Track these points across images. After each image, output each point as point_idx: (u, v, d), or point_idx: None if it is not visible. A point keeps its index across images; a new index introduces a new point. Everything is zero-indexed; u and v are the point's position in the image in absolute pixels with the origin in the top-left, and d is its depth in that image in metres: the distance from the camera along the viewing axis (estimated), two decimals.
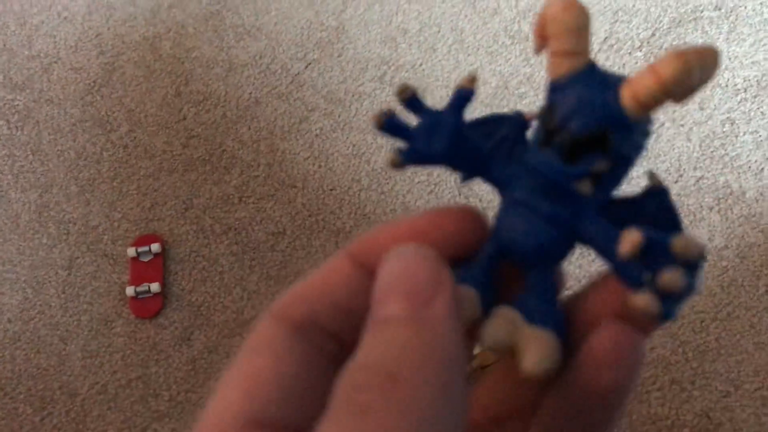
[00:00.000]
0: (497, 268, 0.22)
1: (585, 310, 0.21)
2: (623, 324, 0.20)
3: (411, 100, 0.23)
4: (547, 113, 0.21)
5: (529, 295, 0.22)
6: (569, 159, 0.21)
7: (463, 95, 0.23)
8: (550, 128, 0.21)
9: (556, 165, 0.21)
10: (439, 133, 0.22)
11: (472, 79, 0.23)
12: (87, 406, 0.88)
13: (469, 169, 0.23)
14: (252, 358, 0.19)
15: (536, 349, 0.20)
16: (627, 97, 0.20)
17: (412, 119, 0.23)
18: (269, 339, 0.20)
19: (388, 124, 0.22)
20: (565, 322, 0.21)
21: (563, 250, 0.22)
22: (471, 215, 0.22)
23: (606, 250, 0.21)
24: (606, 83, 0.21)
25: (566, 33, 0.21)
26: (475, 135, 0.23)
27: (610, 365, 0.19)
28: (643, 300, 0.19)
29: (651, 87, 0.20)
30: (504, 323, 0.21)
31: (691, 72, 0.19)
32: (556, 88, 0.22)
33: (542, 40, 0.22)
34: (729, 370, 0.85)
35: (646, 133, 0.22)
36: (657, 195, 0.22)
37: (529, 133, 0.23)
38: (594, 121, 0.21)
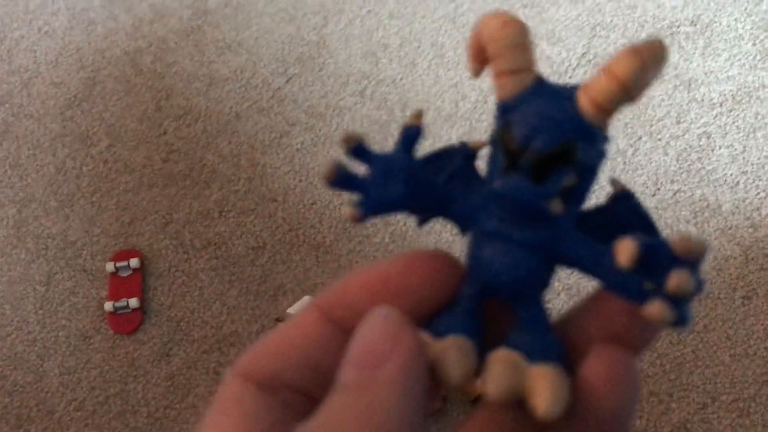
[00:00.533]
0: (481, 308, 0.21)
1: (575, 336, 0.20)
2: (614, 347, 0.19)
3: (357, 148, 0.21)
4: (503, 136, 0.20)
5: (522, 330, 0.20)
6: (537, 179, 0.20)
7: (412, 133, 0.22)
8: (511, 150, 0.20)
9: (527, 187, 0.20)
10: (394, 178, 0.21)
11: (418, 115, 0.22)
12: (64, 423, 0.88)
13: (429, 209, 0.22)
14: (219, 420, 0.19)
15: (547, 389, 0.19)
16: (586, 104, 0.20)
17: (362, 168, 0.22)
18: (236, 399, 0.19)
19: (340, 178, 0.21)
20: (564, 352, 0.20)
21: (547, 277, 0.21)
22: (443, 259, 0.21)
23: (596, 267, 0.20)
24: (560, 94, 0.20)
25: (509, 51, 0.20)
26: (426, 173, 0.22)
27: (607, 392, 0.18)
28: (657, 308, 0.18)
29: (609, 89, 0.19)
30: (505, 369, 0.19)
31: (647, 67, 0.19)
32: (507, 109, 0.21)
33: (480, 63, 0.21)
34: (706, 382, 0.86)
35: (607, 140, 0.21)
36: (624, 200, 0.22)
37: (479, 163, 0.22)
38: (558, 135, 0.20)
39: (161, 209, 1.00)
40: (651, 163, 1.00)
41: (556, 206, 0.20)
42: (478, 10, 1.14)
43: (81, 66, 1.14)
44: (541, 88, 0.21)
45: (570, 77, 1.07)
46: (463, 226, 0.22)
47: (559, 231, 0.20)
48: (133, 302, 0.90)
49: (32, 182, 1.04)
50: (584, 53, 1.10)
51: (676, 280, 0.18)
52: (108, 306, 0.91)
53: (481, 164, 0.22)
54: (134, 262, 0.93)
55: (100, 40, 1.16)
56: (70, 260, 0.97)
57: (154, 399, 0.88)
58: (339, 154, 0.21)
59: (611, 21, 1.12)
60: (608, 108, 0.20)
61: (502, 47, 0.20)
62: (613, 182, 0.22)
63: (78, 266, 0.97)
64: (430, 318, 0.21)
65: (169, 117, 1.08)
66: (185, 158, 1.04)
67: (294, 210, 1.00)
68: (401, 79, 1.09)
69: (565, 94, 0.20)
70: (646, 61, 0.19)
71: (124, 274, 0.93)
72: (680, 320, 0.18)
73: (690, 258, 0.19)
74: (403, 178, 0.21)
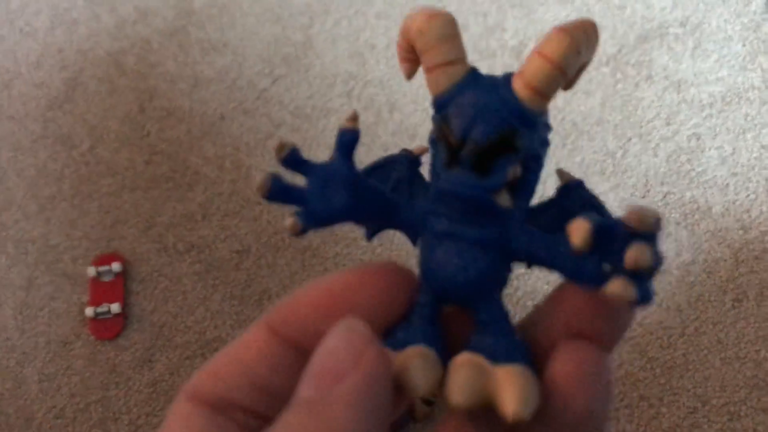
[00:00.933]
0: (439, 316, 0.20)
1: (539, 336, 0.20)
2: (581, 343, 0.18)
3: (291, 158, 0.20)
4: (442, 131, 0.20)
5: (483, 333, 0.19)
6: (481, 172, 0.19)
7: (349, 138, 0.21)
8: (452, 145, 0.19)
9: (471, 181, 0.19)
10: (335, 187, 0.20)
11: (354, 118, 0.21)
12: (44, 430, 0.86)
13: (375, 218, 0.21)
14: None
15: (516, 390, 0.18)
16: (522, 88, 0.19)
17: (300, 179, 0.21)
18: (185, 420, 0.19)
19: (276, 190, 0.20)
20: (529, 351, 0.19)
21: (503, 275, 0.20)
22: (395, 270, 0.20)
23: (552, 257, 0.19)
24: (496, 83, 0.20)
25: (439, 43, 0.20)
26: (369, 181, 0.21)
27: (577, 391, 0.17)
28: (619, 286, 0.17)
29: (544, 70, 0.18)
30: (469, 373, 0.18)
31: (579, 46, 0.19)
32: (443, 103, 0.20)
33: (411, 62, 0.21)
34: (696, 386, 0.85)
35: (548, 127, 0.20)
36: (574, 190, 0.21)
37: (424, 169, 0.21)
38: (497, 123, 0.19)
39: (144, 212, 0.98)
40: (641, 164, 0.99)
41: (503, 200, 0.19)
42: (465, 11, 1.12)
43: (63, 67, 1.12)
44: (475, 78, 0.20)
45: None
46: (413, 232, 0.21)
47: (510, 226, 0.20)
48: (115, 307, 0.89)
49: (12, 185, 1.02)
50: None
51: (634, 254, 0.17)
52: (89, 311, 0.89)
53: (426, 170, 0.21)
54: (116, 266, 0.91)
55: (82, 41, 1.14)
56: (51, 264, 0.95)
57: (136, 406, 0.87)
58: (274, 167, 0.20)
59: (600, 21, 1.11)
60: (544, 91, 0.19)
61: (431, 40, 0.20)
62: (560, 173, 0.21)
63: (59, 270, 0.95)
64: (386, 332, 0.20)
65: (153, 118, 1.06)
66: (168, 160, 1.02)
67: (279, 213, 0.98)
68: (389, 80, 1.08)
69: (501, 82, 0.20)
70: (579, 40, 0.19)
71: (106, 278, 0.91)
72: (643, 297, 0.18)
73: (645, 231, 0.18)
74: (344, 185, 0.20)
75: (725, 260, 0.92)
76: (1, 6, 1.18)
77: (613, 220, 0.18)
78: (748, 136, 1.00)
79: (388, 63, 1.09)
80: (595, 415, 0.18)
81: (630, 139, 1.01)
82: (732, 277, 0.91)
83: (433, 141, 0.20)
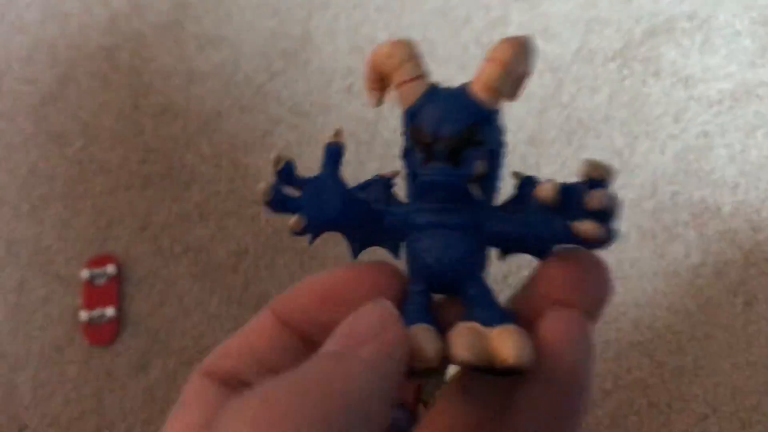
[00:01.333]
0: (431, 304, 0.22)
1: (525, 309, 0.22)
2: (565, 308, 0.20)
3: (285, 171, 0.23)
4: (415, 135, 0.23)
5: (473, 307, 0.22)
6: (454, 165, 0.22)
7: (335, 151, 0.23)
8: (426, 144, 0.22)
9: (447, 169, 0.22)
10: (327, 197, 0.23)
11: (338, 134, 0.24)
12: None
13: (363, 225, 0.23)
14: (182, 413, 0.20)
15: (513, 342, 0.20)
16: (479, 89, 0.22)
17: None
18: (198, 394, 0.21)
19: (276, 200, 0.22)
20: (517, 318, 0.21)
21: (483, 256, 0.23)
22: (387, 268, 0.23)
23: (524, 229, 0.22)
24: (456, 91, 0.23)
25: (404, 63, 0.23)
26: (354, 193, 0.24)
27: (564, 346, 0.19)
28: (588, 225, 0.21)
29: (496, 71, 0.22)
30: (470, 334, 0.21)
31: (524, 52, 0.22)
32: (414, 113, 0.23)
33: (379, 89, 0.24)
34: (707, 392, 0.83)
35: (503, 126, 0.23)
36: (529, 185, 0.23)
37: (397, 190, 0.24)
38: (462, 120, 0.22)
39: (138, 212, 0.96)
40: (648, 163, 0.97)
41: (475, 190, 0.22)
42: (468, 4, 1.10)
43: (54, 62, 1.09)
44: (437, 90, 0.23)
45: (565, 74, 1.04)
46: (397, 237, 0.24)
47: (483, 212, 0.23)
48: (110, 312, 0.86)
49: (3, 185, 0.99)
50: (579, 48, 1.06)
51: (596, 196, 0.21)
52: (83, 316, 0.86)
53: (399, 192, 0.24)
54: (110, 268, 0.89)
55: (74, 35, 1.11)
56: (43, 266, 0.93)
57: (131, 413, 0.84)
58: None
59: (606, 15, 1.08)
60: (497, 89, 0.22)
61: (399, 61, 0.23)
62: (515, 174, 0.23)
63: (51, 273, 0.92)
64: None
65: (147, 115, 1.03)
66: (164, 159, 1.00)
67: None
68: None
69: (460, 90, 0.23)
70: (523, 47, 0.22)
71: (100, 281, 0.89)
72: (609, 234, 0.21)
73: (600, 179, 0.21)
74: (335, 195, 0.23)
75: (735, 262, 0.90)
76: None
77: (573, 185, 0.21)
78: (758, 133, 0.98)
79: None
80: (581, 371, 0.20)
81: (637, 137, 0.99)
82: (742, 279, 0.89)
83: (407, 152, 0.23)
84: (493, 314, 0.21)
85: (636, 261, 0.92)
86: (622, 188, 0.95)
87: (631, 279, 0.90)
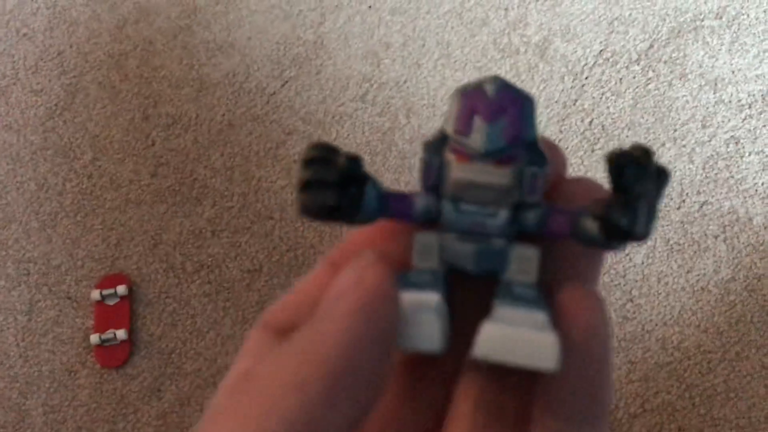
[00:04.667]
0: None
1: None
2: (577, 281, 0.20)
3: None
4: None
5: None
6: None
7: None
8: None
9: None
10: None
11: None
12: None
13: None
14: (242, 362, 0.21)
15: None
16: None
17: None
18: (256, 344, 0.21)
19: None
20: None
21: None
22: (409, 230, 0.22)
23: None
24: None
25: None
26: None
27: (581, 309, 0.19)
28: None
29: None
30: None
31: None
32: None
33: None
34: (739, 416, 0.80)
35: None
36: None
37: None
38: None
39: (150, 229, 0.93)
40: (675, 171, 0.93)
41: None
42: (486, 5, 1.06)
43: (62, 71, 1.06)
44: None
45: (587, 77, 1.00)
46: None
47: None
48: (121, 334, 0.84)
49: (12, 201, 0.97)
50: (601, 50, 1.02)
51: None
52: (94, 338, 0.84)
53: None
54: (121, 289, 0.87)
55: (82, 43, 1.08)
56: (53, 287, 0.91)
57: None
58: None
59: (630, 15, 1.04)
60: None
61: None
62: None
63: (62, 293, 0.90)
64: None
65: (158, 126, 1.01)
66: (175, 172, 0.97)
67: (292, 228, 0.93)
68: (405, 82, 1.02)
69: None
70: None
71: (111, 302, 0.87)
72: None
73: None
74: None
75: None
76: None
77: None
78: None
79: (404, 63, 1.03)
80: (598, 333, 0.19)
81: (663, 144, 0.95)
82: None
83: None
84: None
85: (663, 276, 0.88)
86: None
87: (658, 295, 0.87)
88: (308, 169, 0.19)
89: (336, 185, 0.19)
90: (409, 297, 0.19)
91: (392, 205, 0.21)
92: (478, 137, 0.20)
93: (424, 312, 0.19)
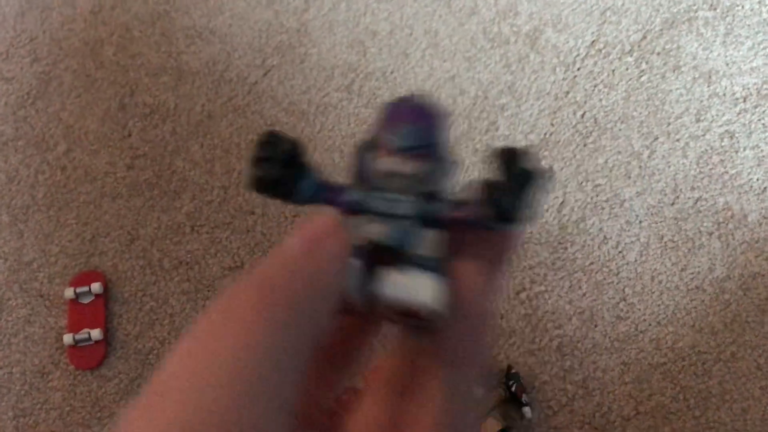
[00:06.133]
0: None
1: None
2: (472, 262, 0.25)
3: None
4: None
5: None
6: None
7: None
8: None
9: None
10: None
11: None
12: None
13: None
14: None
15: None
16: None
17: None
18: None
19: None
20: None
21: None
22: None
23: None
24: None
25: None
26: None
27: (467, 276, 0.24)
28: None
29: None
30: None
31: None
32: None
33: None
34: (735, 419, 0.78)
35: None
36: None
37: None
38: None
39: (126, 224, 0.90)
40: (669, 167, 0.91)
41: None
42: None
43: (35, 58, 1.02)
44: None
45: (579, 68, 0.97)
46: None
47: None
48: (96, 333, 0.81)
49: None
50: (593, 41, 0.99)
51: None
52: (67, 339, 0.81)
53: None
54: (96, 287, 0.83)
55: (56, 29, 1.04)
56: (25, 284, 0.87)
57: None
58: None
59: (622, 4, 1.01)
60: None
61: None
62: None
63: (34, 291, 0.86)
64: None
65: (134, 116, 0.97)
66: (152, 164, 0.93)
67: (274, 223, 0.90)
68: (392, 72, 0.99)
69: None
70: None
71: (85, 300, 0.83)
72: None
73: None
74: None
75: (763, 275, 0.84)
76: None
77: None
78: None
79: (391, 52, 1.00)
80: (480, 293, 0.24)
81: (657, 138, 0.93)
82: None
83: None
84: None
85: (657, 274, 0.86)
86: (640, 194, 0.89)
87: (652, 294, 0.85)
88: (259, 150, 0.24)
89: (279, 163, 0.23)
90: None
91: (326, 192, 0.25)
92: (400, 135, 0.24)
93: (350, 270, 0.23)
